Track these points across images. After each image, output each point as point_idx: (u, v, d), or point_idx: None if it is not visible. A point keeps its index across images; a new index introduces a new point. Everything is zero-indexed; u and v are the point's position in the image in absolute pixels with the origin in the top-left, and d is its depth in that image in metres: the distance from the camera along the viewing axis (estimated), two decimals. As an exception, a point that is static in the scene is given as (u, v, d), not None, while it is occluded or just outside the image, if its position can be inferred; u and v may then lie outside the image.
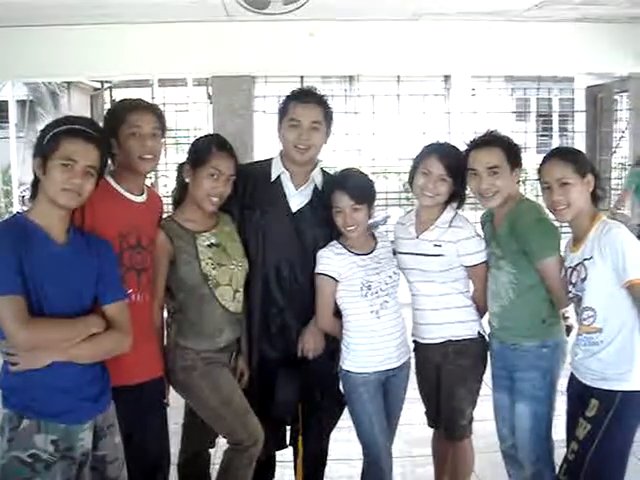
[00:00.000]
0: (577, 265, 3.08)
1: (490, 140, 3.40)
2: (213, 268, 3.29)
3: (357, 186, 3.40)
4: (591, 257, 3.01)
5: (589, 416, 3.01)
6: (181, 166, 3.42)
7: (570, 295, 3.17)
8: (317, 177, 3.59)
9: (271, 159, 3.64)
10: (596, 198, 3.15)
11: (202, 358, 3.32)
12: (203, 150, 3.33)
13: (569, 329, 3.47)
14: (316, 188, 3.57)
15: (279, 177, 3.56)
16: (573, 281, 3.12)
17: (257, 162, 3.88)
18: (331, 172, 3.73)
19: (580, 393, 3.11)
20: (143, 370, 3.11)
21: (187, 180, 3.35)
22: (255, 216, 3.52)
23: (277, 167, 3.57)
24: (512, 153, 3.38)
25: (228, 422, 3.33)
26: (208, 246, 3.32)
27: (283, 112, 3.53)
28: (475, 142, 3.43)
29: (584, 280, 3.04)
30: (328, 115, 3.54)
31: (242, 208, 3.53)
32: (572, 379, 3.21)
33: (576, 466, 3.04)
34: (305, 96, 3.54)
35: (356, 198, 3.34)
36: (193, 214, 3.36)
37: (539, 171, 3.20)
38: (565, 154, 3.21)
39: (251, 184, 3.53)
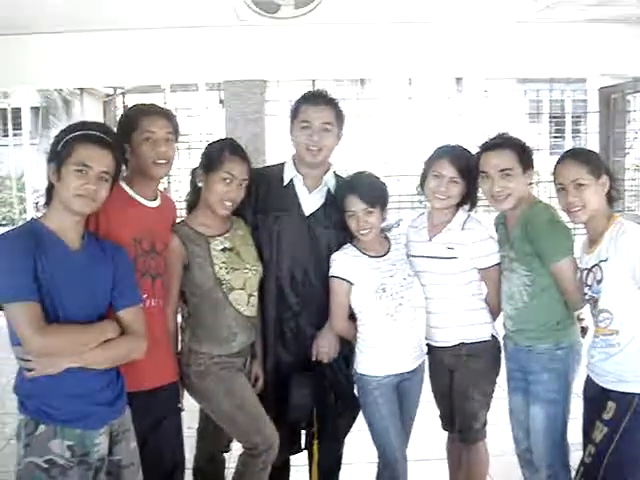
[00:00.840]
0: (593, 267, 3.07)
1: (501, 142, 3.39)
2: (227, 272, 3.30)
3: (369, 189, 3.40)
4: (607, 259, 2.99)
5: (606, 419, 3.00)
6: (194, 171, 3.43)
7: (586, 297, 3.16)
8: (330, 180, 3.59)
9: (284, 163, 3.64)
10: (611, 199, 3.14)
11: (216, 363, 3.33)
12: (216, 154, 3.33)
13: (585, 330, 3.46)
14: (329, 191, 3.57)
15: (292, 181, 3.56)
16: (589, 283, 3.10)
17: (270, 166, 3.88)
18: (344, 175, 3.74)
19: (596, 396, 3.10)
20: (158, 375, 3.12)
21: (200, 185, 3.36)
22: (268, 220, 3.52)
23: (290, 171, 3.58)
24: (524, 155, 3.37)
25: (242, 427, 3.34)
26: (222, 250, 3.32)
27: (294, 114, 3.53)
28: (486, 144, 3.42)
29: (600, 282, 3.03)
30: (339, 117, 3.54)
31: (255, 212, 3.53)
32: (588, 381, 3.20)
33: (593, 469, 3.03)
34: (316, 98, 3.55)
35: (369, 202, 3.34)
36: (206, 218, 3.37)
37: (553, 173, 3.19)
38: (579, 155, 3.19)
39: (264, 188, 3.53)
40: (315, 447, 3.64)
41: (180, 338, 3.42)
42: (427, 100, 12.35)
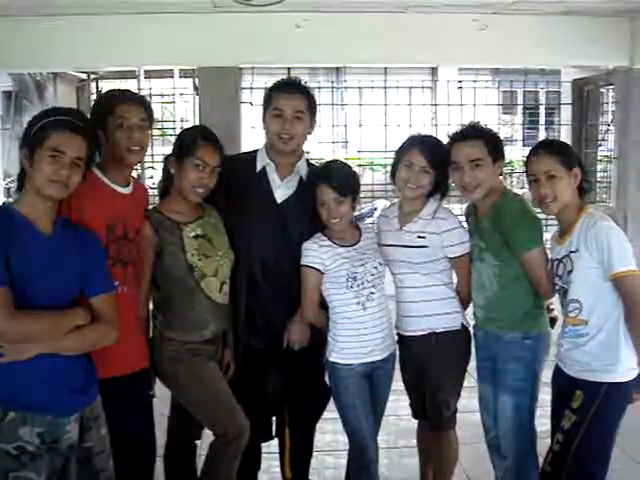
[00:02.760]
0: (563, 257, 3.11)
1: (472, 133, 3.42)
2: (199, 259, 3.30)
3: (341, 179, 3.40)
4: (577, 250, 3.03)
5: (574, 407, 3.04)
6: (167, 158, 3.42)
7: (556, 287, 3.20)
8: (302, 168, 3.59)
9: (256, 150, 3.64)
10: (582, 191, 3.17)
11: (187, 350, 3.33)
12: (188, 141, 3.33)
13: (554, 321, 3.50)
14: (301, 179, 3.57)
15: (264, 168, 3.56)
16: (559, 273, 3.14)
17: (243, 154, 3.87)
18: (317, 164, 3.74)
19: (565, 384, 3.14)
20: (129, 361, 3.11)
21: (172, 171, 3.35)
22: (240, 208, 3.52)
23: (262, 158, 3.58)
24: (494, 146, 3.40)
25: (213, 414, 3.34)
26: (194, 237, 3.32)
27: (267, 102, 3.55)
28: (457, 135, 3.45)
29: (570, 272, 3.06)
30: (312, 105, 3.55)
31: (227, 199, 3.53)
32: (557, 371, 3.24)
33: (561, 457, 3.07)
34: (288, 86, 3.57)
35: (339, 191, 3.35)
36: (178, 205, 3.36)
37: (526, 164, 3.22)
38: (552, 147, 3.23)
39: (236, 175, 3.52)
40: (287, 435, 3.66)
41: (152, 325, 3.42)
42: (402, 90, 12.35)
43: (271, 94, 3.54)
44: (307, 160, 3.66)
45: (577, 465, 3.03)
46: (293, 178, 3.57)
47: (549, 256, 3.28)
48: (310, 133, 3.59)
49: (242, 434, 3.33)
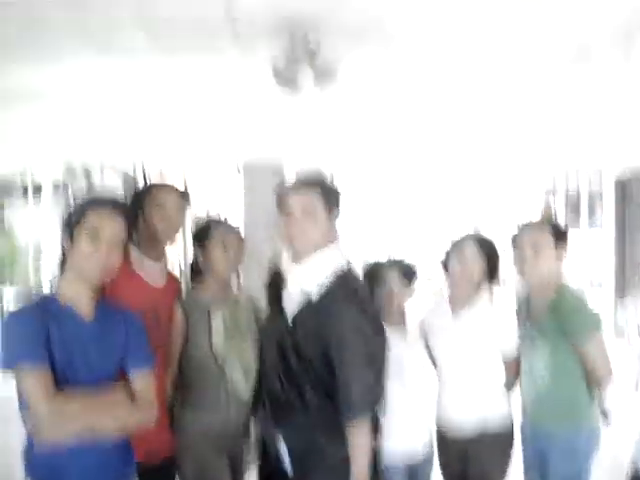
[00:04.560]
0: None
1: (536, 222, 3.47)
2: (224, 344, 3.27)
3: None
4: None
5: None
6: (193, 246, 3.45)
7: None
8: None
9: None
10: None
11: (201, 438, 3.24)
12: (208, 227, 3.39)
13: (606, 414, 3.40)
14: None
15: None
16: None
17: None
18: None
19: None
20: (155, 450, 3.10)
21: (200, 259, 3.38)
22: None
23: None
24: (557, 233, 3.42)
25: None
26: (221, 321, 3.30)
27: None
28: (524, 224, 3.50)
29: None
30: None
31: None
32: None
33: None
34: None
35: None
36: (209, 288, 3.37)
37: None
38: None
39: None
40: None
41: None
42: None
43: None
44: None
45: None
46: None
47: None
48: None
49: None
